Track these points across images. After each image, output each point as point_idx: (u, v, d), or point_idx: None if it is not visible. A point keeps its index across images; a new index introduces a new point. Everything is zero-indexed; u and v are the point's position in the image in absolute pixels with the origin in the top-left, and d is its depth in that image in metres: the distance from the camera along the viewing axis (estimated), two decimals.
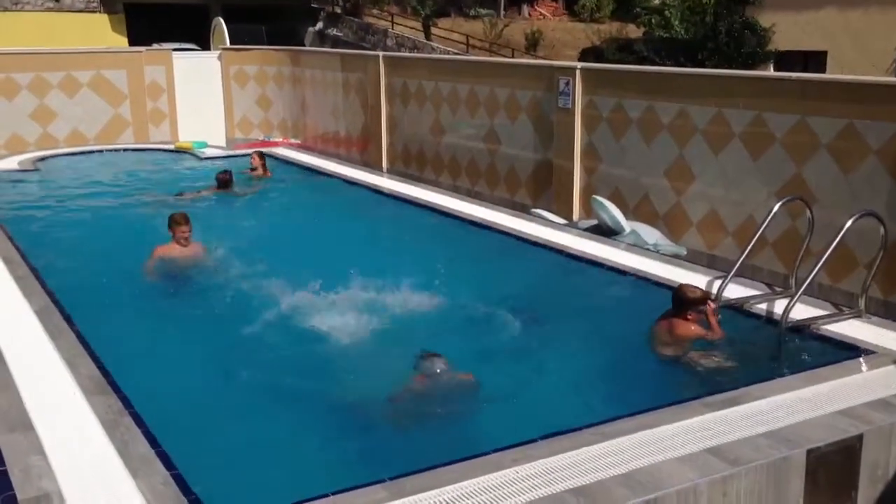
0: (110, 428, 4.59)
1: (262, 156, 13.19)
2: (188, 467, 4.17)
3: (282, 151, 15.07)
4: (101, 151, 15.13)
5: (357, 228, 10.13)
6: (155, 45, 20.23)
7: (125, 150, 15.41)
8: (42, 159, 14.21)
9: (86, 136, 15.64)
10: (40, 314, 6.47)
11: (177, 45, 21.17)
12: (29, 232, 9.76)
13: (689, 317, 6.10)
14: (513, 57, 24.94)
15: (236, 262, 8.21)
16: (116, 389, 5.06)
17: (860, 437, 4.53)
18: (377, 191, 11.91)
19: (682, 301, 6.14)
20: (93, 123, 15.67)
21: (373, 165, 13.90)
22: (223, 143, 16.46)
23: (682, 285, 6.37)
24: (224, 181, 12.08)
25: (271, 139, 16.49)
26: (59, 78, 15.36)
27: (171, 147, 15.60)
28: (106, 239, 9.68)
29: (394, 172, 13.51)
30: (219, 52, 17.23)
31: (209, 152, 15.12)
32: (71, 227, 10.25)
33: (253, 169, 12.93)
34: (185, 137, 16.04)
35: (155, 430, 4.55)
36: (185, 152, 15.19)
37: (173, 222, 8.11)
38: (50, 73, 15.29)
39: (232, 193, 12.04)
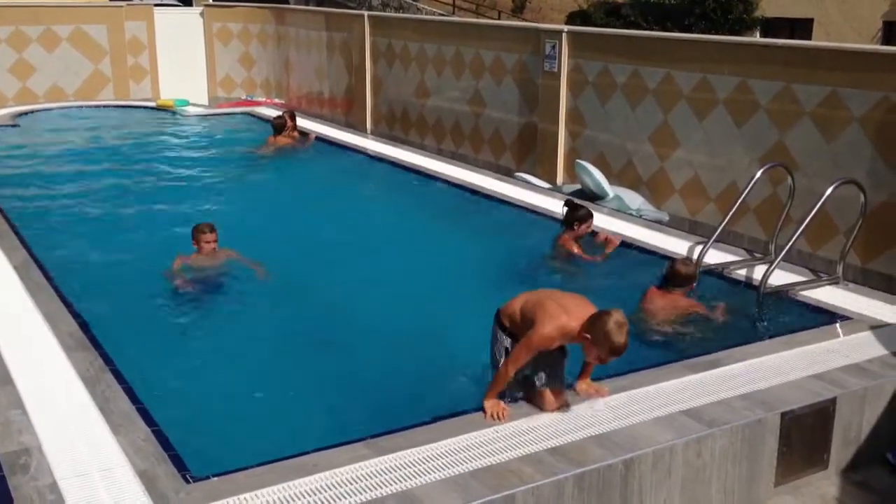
0: (91, 384, 4.59)
1: (293, 117, 12.57)
2: (169, 424, 4.18)
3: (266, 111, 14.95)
4: (81, 107, 14.95)
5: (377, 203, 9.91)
6: (136, 0, 19.92)
7: (106, 106, 15.22)
8: (21, 114, 14.02)
9: (65, 91, 15.43)
10: (20, 270, 6.43)
11: (158, 0, 20.79)
12: (8, 188, 9.67)
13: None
14: (499, 19, 24.70)
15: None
16: (97, 346, 5.05)
17: (834, 401, 4.61)
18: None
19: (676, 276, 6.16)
20: (73, 79, 15.45)
21: (357, 127, 13.80)
22: (205, 102, 16.29)
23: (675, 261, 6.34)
24: (278, 126, 12.08)
25: (254, 98, 16.32)
26: (39, 32, 15.10)
27: (153, 104, 15.41)
28: (87, 196, 9.62)
29: (378, 134, 13.43)
30: (201, 8, 17.00)
31: (191, 110, 14.96)
32: (52, 184, 10.14)
33: (287, 132, 12.36)
34: (167, 95, 15.84)
35: (136, 387, 4.55)
36: (166, 110, 15.01)
37: (197, 231, 6.97)
38: (29, 27, 15.02)
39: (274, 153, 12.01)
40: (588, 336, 4.04)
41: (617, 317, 3.99)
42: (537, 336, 4.11)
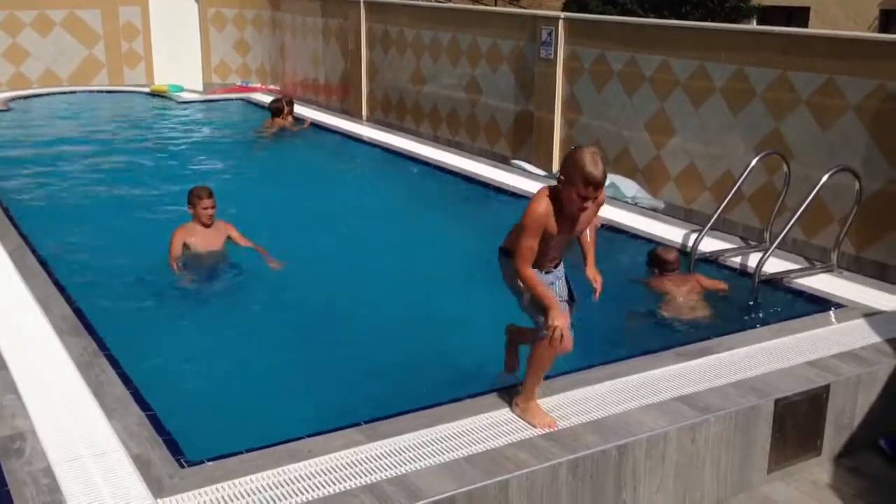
0: (85, 369, 4.58)
1: (290, 103, 12.59)
2: (163, 408, 4.18)
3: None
4: (74, 93, 14.88)
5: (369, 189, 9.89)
6: None
7: (100, 91, 15.16)
8: (15, 99, 13.95)
9: (59, 76, 15.35)
10: (13, 255, 6.41)
11: None
12: (2, 173, 9.63)
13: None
14: (496, 6, 24.62)
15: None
16: (91, 331, 5.04)
17: (827, 388, 4.63)
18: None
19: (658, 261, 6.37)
20: (66, 64, 15.37)
21: (352, 113, 13.76)
22: (200, 88, 16.22)
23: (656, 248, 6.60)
24: (275, 109, 12.16)
25: (249, 84, 16.26)
26: (32, 16, 15.01)
27: (147, 90, 15.36)
28: (81, 181, 9.59)
29: (373, 121, 13.39)
30: None
31: (185, 96, 14.91)
32: (46, 169, 10.11)
33: (283, 117, 12.41)
34: (161, 81, 15.78)
35: (130, 372, 4.55)
36: (160, 95, 14.96)
37: (194, 196, 6.76)
38: (22, 11, 14.94)
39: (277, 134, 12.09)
40: (562, 178, 3.88)
41: (590, 149, 3.88)
42: (527, 214, 3.96)
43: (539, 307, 4.04)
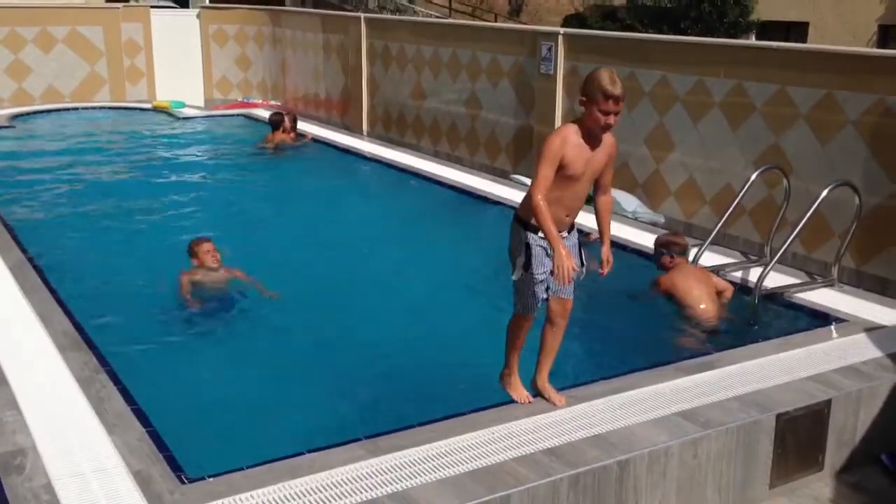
0: (86, 384, 4.58)
1: (294, 119, 12.65)
2: (164, 424, 4.18)
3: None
4: (77, 109, 14.93)
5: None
6: (132, 1, 19.90)
7: (102, 108, 15.21)
8: (17, 116, 14.00)
9: (61, 93, 15.41)
10: (14, 271, 6.42)
11: (155, 2, 20.78)
12: (4, 190, 9.66)
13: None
14: (496, 22, 24.71)
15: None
16: (91, 346, 5.05)
17: (829, 403, 4.62)
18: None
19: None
20: (69, 80, 15.44)
21: (353, 128, 13.80)
22: (201, 103, 16.29)
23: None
24: (275, 122, 12.24)
25: (250, 100, 16.32)
26: (34, 33, 15.09)
27: (149, 106, 15.41)
28: (83, 197, 9.61)
29: (374, 136, 13.43)
30: (198, 9, 16.99)
31: (187, 112, 14.96)
32: (47, 186, 10.13)
33: (283, 131, 12.46)
34: (163, 97, 15.84)
35: (130, 387, 4.54)
36: (162, 111, 15.01)
37: (193, 246, 6.59)
38: (24, 28, 15.01)
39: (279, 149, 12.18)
40: (583, 98, 4.03)
41: (608, 69, 4.03)
42: (545, 143, 4.07)
43: (523, 290, 4.25)
